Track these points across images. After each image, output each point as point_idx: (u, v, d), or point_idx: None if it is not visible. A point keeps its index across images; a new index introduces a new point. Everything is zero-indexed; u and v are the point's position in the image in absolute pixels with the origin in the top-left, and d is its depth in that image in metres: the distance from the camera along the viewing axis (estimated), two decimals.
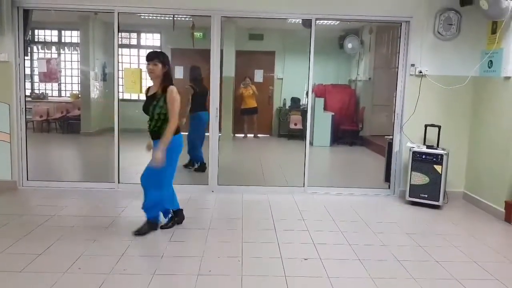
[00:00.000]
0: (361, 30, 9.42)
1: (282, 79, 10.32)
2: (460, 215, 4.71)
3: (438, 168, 4.75)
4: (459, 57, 5.02)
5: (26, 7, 5.00)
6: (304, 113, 7.18)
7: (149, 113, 3.62)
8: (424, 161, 4.81)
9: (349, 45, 9.28)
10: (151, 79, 3.64)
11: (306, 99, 5.95)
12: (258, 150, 8.90)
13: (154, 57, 3.57)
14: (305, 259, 3.32)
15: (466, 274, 3.14)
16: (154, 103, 3.57)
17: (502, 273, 3.19)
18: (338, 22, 6.43)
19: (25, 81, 5.17)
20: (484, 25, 4.89)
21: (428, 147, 4.88)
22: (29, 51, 5.85)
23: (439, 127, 4.92)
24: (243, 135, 9.74)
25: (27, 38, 5.23)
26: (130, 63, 9.84)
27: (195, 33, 8.08)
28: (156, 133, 3.61)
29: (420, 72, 5.03)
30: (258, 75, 9.88)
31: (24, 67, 5.16)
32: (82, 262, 3.12)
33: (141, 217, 3.96)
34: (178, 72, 9.35)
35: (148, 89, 3.75)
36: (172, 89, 3.55)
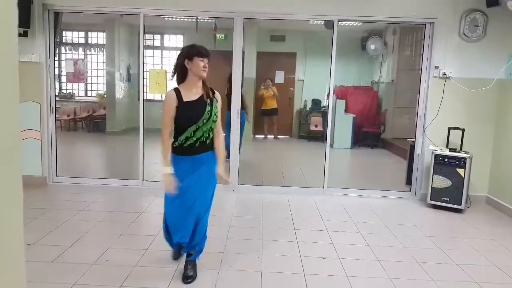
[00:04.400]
0: (384, 31, 9.35)
1: (303, 80, 10.34)
2: (482, 219, 4.64)
3: (461, 171, 4.70)
4: (485, 59, 4.95)
5: (56, 9, 5.20)
6: (324, 115, 7.19)
7: (200, 122, 2.76)
8: (447, 164, 4.77)
9: (372, 47, 9.22)
10: (202, 77, 2.80)
11: (327, 100, 5.96)
12: (278, 151, 8.94)
13: (209, 53, 2.83)
14: (324, 258, 3.36)
15: (486, 278, 3.12)
16: (208, 109, 2.79)
17: None
18: (360, 23, 6.43)
19: (55, 81, 5.38)
20: (511, 26, 4.81)
21: (451, 150, 4.84)
22: (57, 52, 6.06)
23: (463, 130, 4.86)
24: (263, 136, 9.80)
25: (56, 40, 5.44)
26: (153, 64, 10.05)
27: (217, 35, 8.20)
28: (206, 146, 2.84)
29: (444, 74, 4.99)
30: (279, 77, 9.92)
31: (54, 67, 5.37)
32: (109, 255, 3.25)
33: (162, 214, 4.09)
34: None
35: (178, 93, 2.78)
36: (219, 94, 2.95)
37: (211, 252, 3.39)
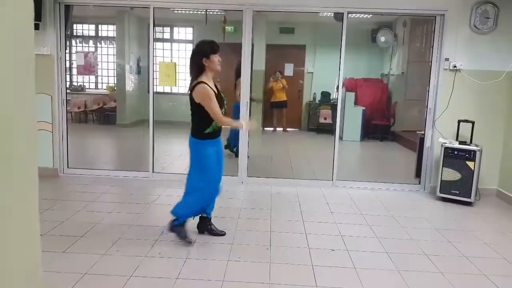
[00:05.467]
0: (394, 23, 9.25)
1: (312, 73, 10.30)
2: (492, 212, 4.62)
3: (470, 164, 4.67)
4: (496, 51, 4.88)
5: (67, 2, 5.24)
6: (334, 107, 7.16)
7: (223, 110, 3.27)
8: (457, 157, 4.74)
9: (382, 39, 9.14)
10: (218, 70, 3.24)
11: (337, 93, 5.94)
12: (287, 144, 8.95)
13: (219, 47, 3.25)
14: (332, 250, 3.38)
15: (495, 271, 3.12)
16: (225, 101, 3.35)
17: None
18: (370, 15, 6.37)
19: (66, 74, 5.44)
20: None
21: (461, 143, 4.80)
22: (67, 44, 6.12)
23: (473, 123, 4.82)
24: (272, 128, 9.81)
25: (67, 33, 5.48)
26: (163, 56, 10.08)
27: (226, 27, 8.19)
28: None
29: (455, 66, 4.94)
30: (289, 69, 9.89)
31: (65, 60, 5.42)
32: (119, 245, 3.31)
33: (172, 205, 4.15)
34: None
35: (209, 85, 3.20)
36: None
37: (221, 243, 3.44)
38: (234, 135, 6.06)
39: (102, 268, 2.93)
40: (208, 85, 3.14)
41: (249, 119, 3.54)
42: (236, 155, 6.19)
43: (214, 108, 3.14)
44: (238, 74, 6.13)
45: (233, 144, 6.33)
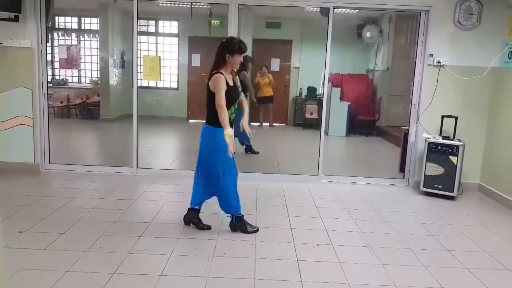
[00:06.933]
0: (380, 19, 9.30)
1: (298, 68, 10.30)
2: (474, 206, 4.70)
3: (453, 159, 4.73)
4: (479, 47, 4.94)
5: None
6: (320, 102, 7.18)
7: (236, 103, 3.47)
8: (440, 152, 4.80)
9: (368, 34, 9.18)
10: (235, 68, 3.47)
11: (322, 88, 5.95)
12: (273, 139, 8.94)
13: (246, 49, 3.49)
14: (317, 245, 3.38)
15: (477, 264, 3.16)
16: (240, 95, 3.53)
17: None
18: (356, 10, 6.37)
19: (47, 67, 5.32)
20: (506, 15, 4.79)
21: (444, 138, 4.86)
22: (49, 37, 5.98)
23: (456, 118, 4.88)
24: (258, 123, 9.79)
25: (48, 25, 5.35)
26: (148, 50, 9.95)
27: (212, 21, 8.12)
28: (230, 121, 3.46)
29: (439, 62, 4.98)
30: (275, 64, 9.87)
31: (46, 53, 5.30)
32: (102, 242, 3.25)
33: (157, 201, 4.10)
34: (195, 60, 9.43)
35: (224, 77, 3.35)
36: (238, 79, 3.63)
37: (205, 239, 3.41)
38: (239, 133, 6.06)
39: (85, 265, 2.88)
40: (225, 77, 3.33)
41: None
42: (253, 152, 6.44)
43: (220, 96, 3.28)
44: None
45: (246, 142, 6.43)
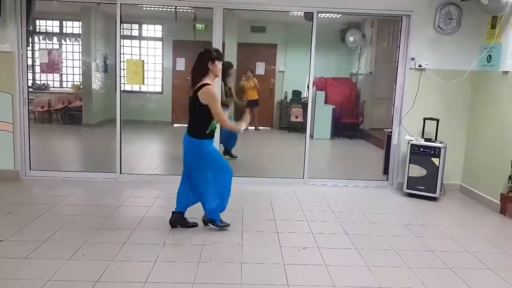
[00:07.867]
0: (362, 24, 9.42)
1: (283, 72, 10.34)
2: (456, 207, 4.78)
3: (435, 160, 4.81)
4: (459, 51, 5.05)
5: None
6: (305, 106, 7.22)
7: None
8: (422, 154, 4.87)
9: (351, 39, 9.30)
10: (218, 76, 3.63)
11: (307, 92, 6.01)
12: (259, 142, 8.95)
13: None
14: (304, 248, 3.39)
15: (460, 264, 3.21)
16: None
17: (495, 263, 3.26)
18: (340, 15, 6.45)
19: (27, 72, 5.21)
20: (484, 19, 4.91)
21: (426, 140, 4.94)
22: (30, 41, 5.87)
23: (438, 121, 4.97)
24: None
25: (29, 29, 5.26)
26: (131, 54, 9.86)
27: (196, 25, 8.10)
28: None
29: (420, 66, 5.07)
30: (260, 68, 9.90)
31: (27, 57, 5.19)
32: (85, 249, 3.19)
33: (141, 207, 4.05)
34: (180, 64, 9.39)
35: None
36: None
37: (191, 245, 3.38)
38: (226, 137, 6.00)
39: (67, 274, 2.82)
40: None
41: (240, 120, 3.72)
42: (232, 156, 6.31)
43: (219, 109, 3.36)
44: None
45: (229, 145, 6.35)
